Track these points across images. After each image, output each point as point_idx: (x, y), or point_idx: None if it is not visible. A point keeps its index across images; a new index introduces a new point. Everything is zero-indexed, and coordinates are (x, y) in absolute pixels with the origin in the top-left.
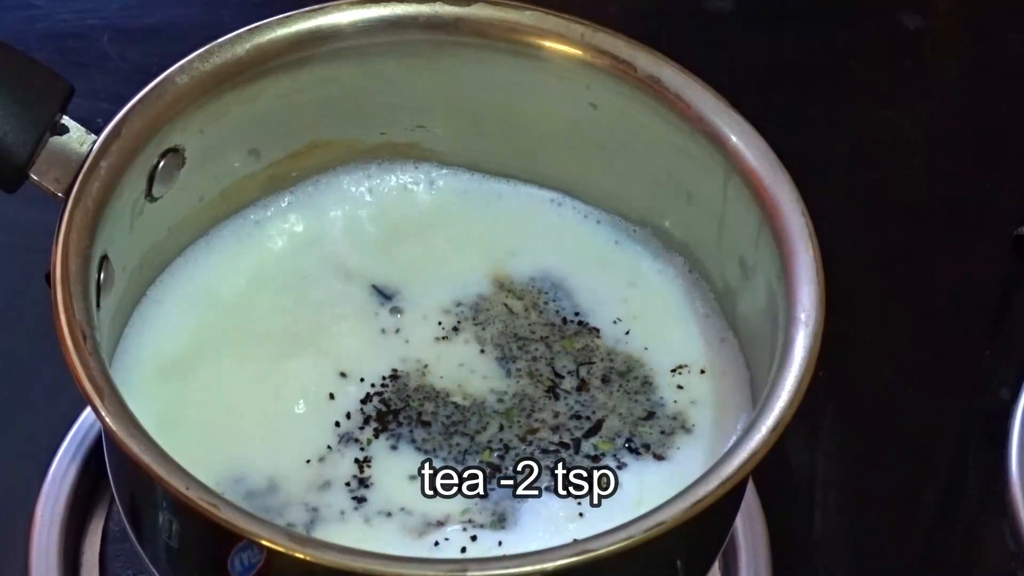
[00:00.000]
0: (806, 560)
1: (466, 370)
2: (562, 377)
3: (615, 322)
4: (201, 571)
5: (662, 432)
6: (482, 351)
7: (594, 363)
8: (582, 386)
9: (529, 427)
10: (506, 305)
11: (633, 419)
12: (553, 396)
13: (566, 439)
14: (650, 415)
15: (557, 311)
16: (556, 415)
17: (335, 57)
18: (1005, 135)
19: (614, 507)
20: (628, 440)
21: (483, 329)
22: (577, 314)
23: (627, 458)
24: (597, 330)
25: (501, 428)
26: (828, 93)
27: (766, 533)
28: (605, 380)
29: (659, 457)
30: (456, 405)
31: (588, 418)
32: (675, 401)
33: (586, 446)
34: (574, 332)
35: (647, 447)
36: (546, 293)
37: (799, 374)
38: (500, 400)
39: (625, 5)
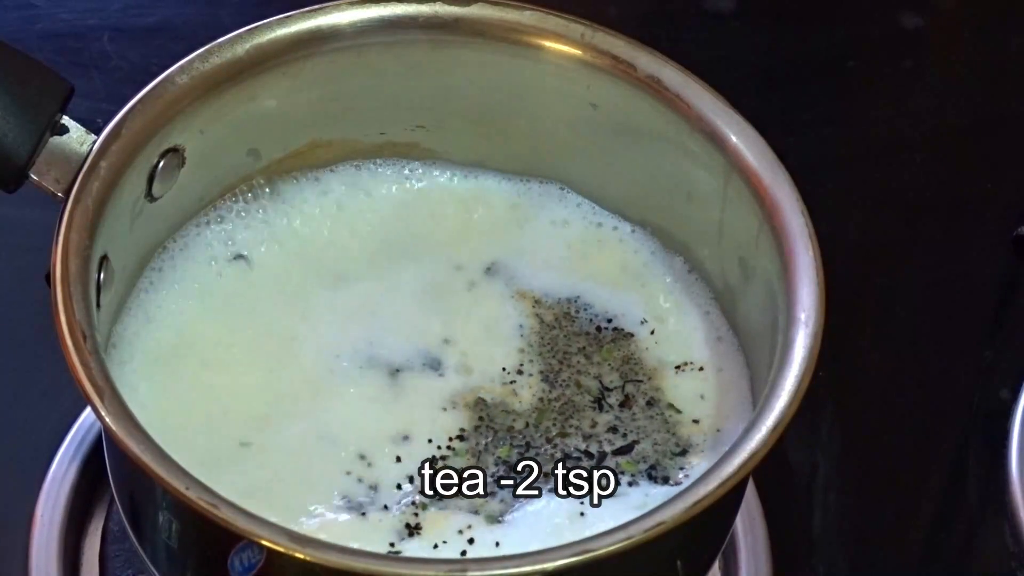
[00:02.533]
0: (806, 560)
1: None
2: (610, 391)
3: (642, 322)
4: (201, 571)
5: (681, 469)
6: (522, 365)
7: (642, 382)
8: (626, 402)
9: (561, 430)
10: (538, 317)
11: (664, 450)
12: (598, 407)
13: (593, 449)
14: (683, 452)
15: (590, 319)
16: (594, 424)
17: (335, 57)
18: (1005, 135)
19: (616, 508)
20: (652, 467)
21: (516, 341)
22: (610, 321)
23: (643, 481)
24: (632, 335)
25: (527, 425)
26: (828, 93)
27: (766, 533)
28: (650, 404)
29: (676, 483)
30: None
31: (624, 435)
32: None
33: (610, 461)
34: (611, 339)
35: (667, 479)
36: (574, 302)
37: (799, 374)
38: (541, 400)
39: (625, 5)
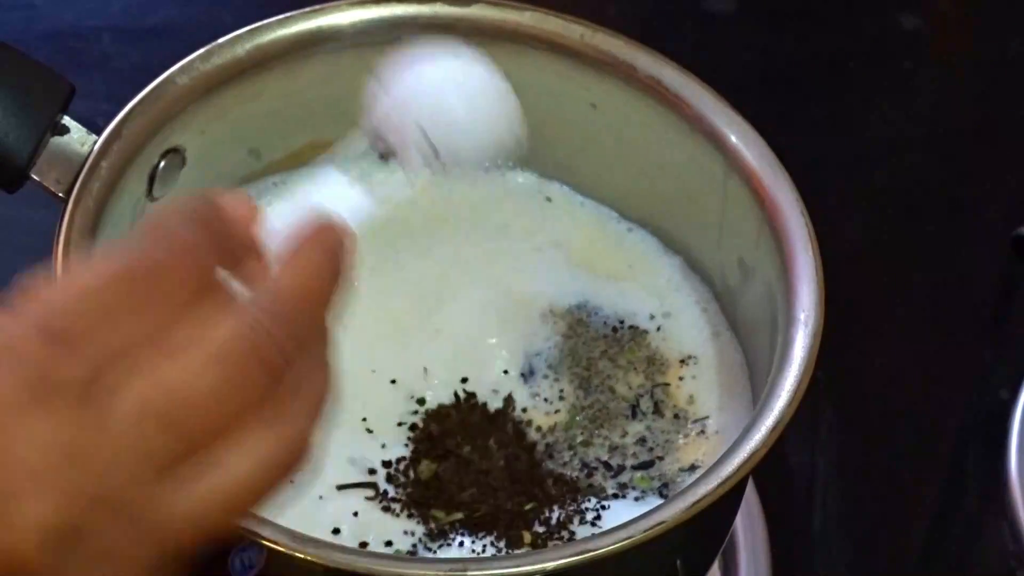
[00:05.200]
0: (806, 560)
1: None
2: (641, 396)
3: (651, 317)
4: (201, 571)
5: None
6: (557, 381)
7: (669, 384)
8: (656, 409)
9: (585, 440)
10: (553, 327)
11: (683, 465)
12: (632, 415)
13: (614, 462)
14: (694, 468)
15: (604, 322)
16: (624, 434)
17: (335, 57)
18: (1005, 135)
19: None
20: (664, 485)
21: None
22: (622, 321)
23: (651, 497)
24: (647, 331)
25: (554, 428)
26: (828, 93)
27: (766, 533)
28: (677, 417)
29: None
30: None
31: (651, 449)
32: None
33: (625, 476)
34: (629, 339)
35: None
36: (583, 307)
37: (799, 374)
38: (573, 406)
39: (625, 5)
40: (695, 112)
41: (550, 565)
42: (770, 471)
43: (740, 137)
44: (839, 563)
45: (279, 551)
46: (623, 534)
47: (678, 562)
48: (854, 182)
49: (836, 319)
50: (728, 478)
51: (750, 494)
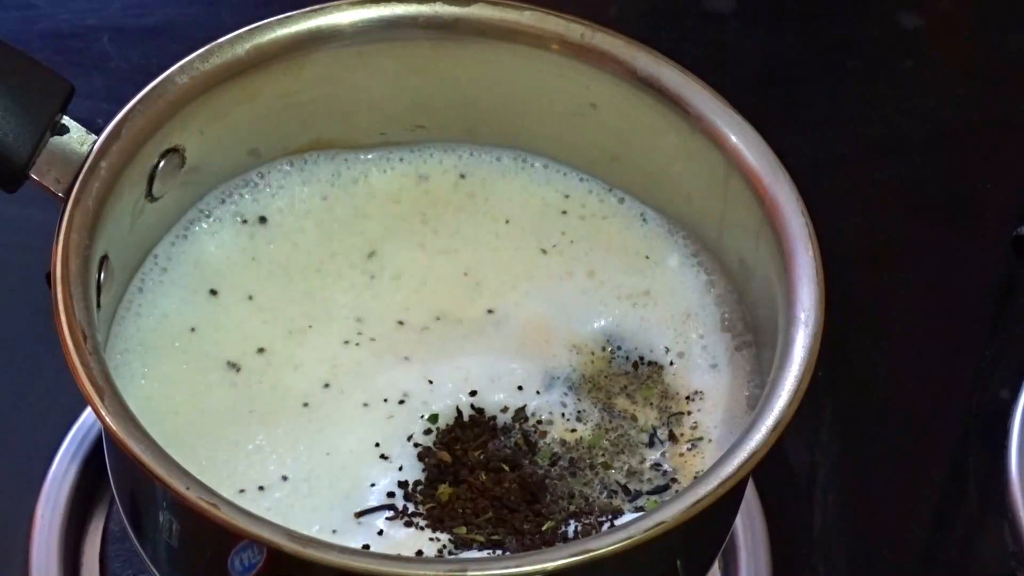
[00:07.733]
0: (806, 560)
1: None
2: (659, 427)
3: (666, 350)
4: (201, 571)
5: None
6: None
7: (682, 414)
8: (672, 436)
9: (605, 462)
10: (575, 350)
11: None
12: (650, 444)
13: (632, 487)
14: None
15: (626, 357)
16: (642, 460)
17: (335, 57)
18: (1005, 135)
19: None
20: None
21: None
22: (642, 358)
23: None
24: (661, 368)
25: (578, 443)
26: (828, 93)
27: (766, 533)
28: (693, 445)
29: None
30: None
31: (664, 473)
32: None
33: (641, 500)
34: (647, 375)
35: None
36: (608, 343)
37: (799, 374)
38: (598, 426)
39: (625, 5)
40: (695, 112)
41: (550, 565)
42: (770, 471)
43: (740, 137)
44: (839, 563)
45: (279, 551)
46: (623, 534)
47: (678, 562)
48: (854, 181)
49: (836, 319)
50: (728, 478)
51: (750, 494)
